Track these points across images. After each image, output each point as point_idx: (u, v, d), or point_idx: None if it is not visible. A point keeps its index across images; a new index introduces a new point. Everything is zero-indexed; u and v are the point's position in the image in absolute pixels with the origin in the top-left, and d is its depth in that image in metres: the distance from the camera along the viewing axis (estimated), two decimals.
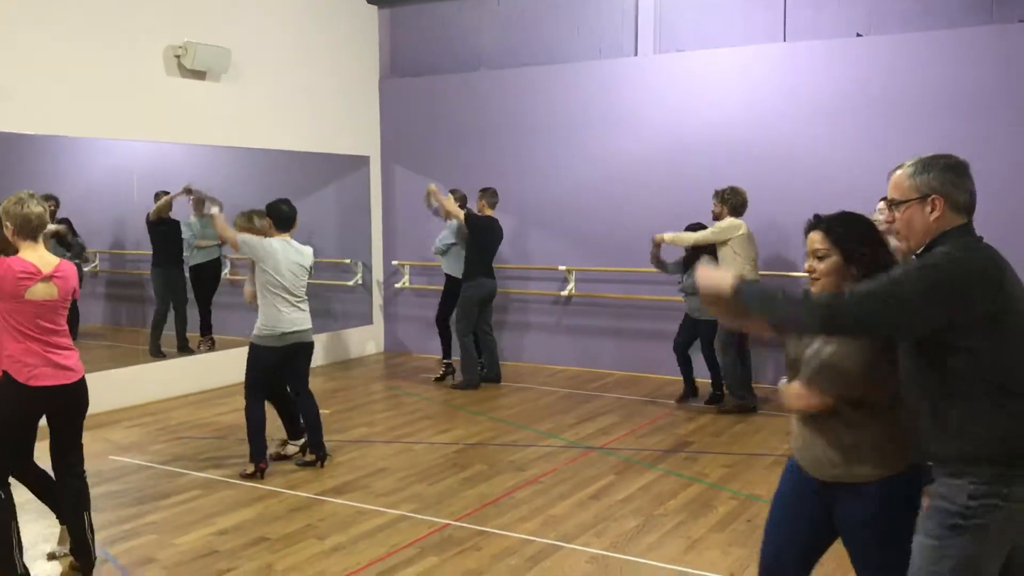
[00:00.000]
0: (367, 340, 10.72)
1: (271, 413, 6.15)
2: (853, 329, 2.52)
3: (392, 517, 5.19)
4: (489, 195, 8.62)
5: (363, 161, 10.58)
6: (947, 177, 2.51)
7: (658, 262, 7.79)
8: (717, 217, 7.53)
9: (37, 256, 4.03)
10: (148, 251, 9.27)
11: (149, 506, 5.39)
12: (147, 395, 8.13)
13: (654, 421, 7.39)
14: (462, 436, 6.98)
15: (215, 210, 6.12)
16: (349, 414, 7.72)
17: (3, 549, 4.03)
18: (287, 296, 5.85)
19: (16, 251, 4.04)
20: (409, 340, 10.69)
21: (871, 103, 8.03)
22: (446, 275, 8.96)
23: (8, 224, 4.02)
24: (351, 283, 10.69)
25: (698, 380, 8.03)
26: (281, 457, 6.24)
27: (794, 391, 2.84)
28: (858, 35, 8.21)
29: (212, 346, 9.29)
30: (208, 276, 9.46)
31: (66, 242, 8.84)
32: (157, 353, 8.87)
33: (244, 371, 6.01)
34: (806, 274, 2.87)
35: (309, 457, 6.15)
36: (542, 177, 9.67)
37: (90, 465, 6.08)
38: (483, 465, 6.22)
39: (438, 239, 8.95)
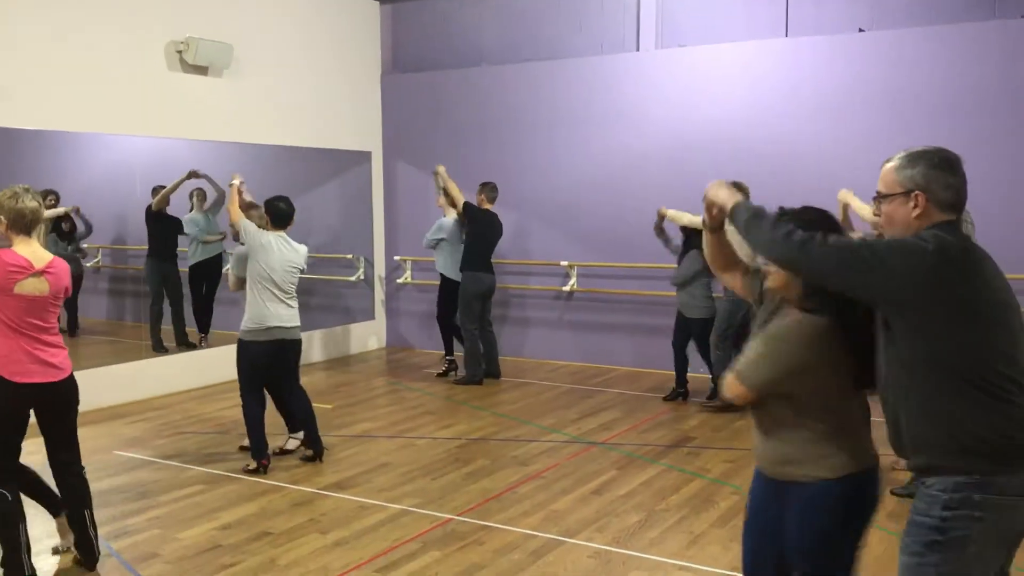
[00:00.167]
0: (369, 335, 10.73)
1: (270, 410, 6.17)
2: (812, 270, 2.47)
3: (394, 512, 5.20)
4: (489, 189, 8.62)
5: (365, 157, 10.58)
6: (932, 173, 2.45)
7: (660, 230, 7.78)
8: None
9: (30, 251, 3.99)
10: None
11: (152, 501, 5.41)
12: (150, 390, 8.15)
13: (656, 416, 7.40)
14: (464, 431, 6.99)
15: (237, 181, 6.15)
16: (351, 409, 7.73)
17: (11, 551, 4.03)
18: (275, 291, 5.85)
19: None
20: (411, 335, 10.70)
21: (873, 98, 8.03)
22: (440, 274, 8.99)
23: (1, 218, 3.98)
24: (353, 278, 10.70)
25: (700, 377, 8.04)
26: (283, 451, 6.25)
27: (728, 379, 2.78)
28: (860, 30, 8.20)
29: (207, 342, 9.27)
30: (212, 272, 9.47)
31: (66, 233, 8.87)
32: (159, 348, 8.88)
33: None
34: None
35: (308, 452, 6.16)
36: (544, 173, 9.68)
37: (94, 460, 6.13)
38: (485, 460, 6.23)
39: (428, 233, 8.97)
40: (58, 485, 4.31)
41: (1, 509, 4.00)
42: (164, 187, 8.90)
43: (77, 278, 8.88)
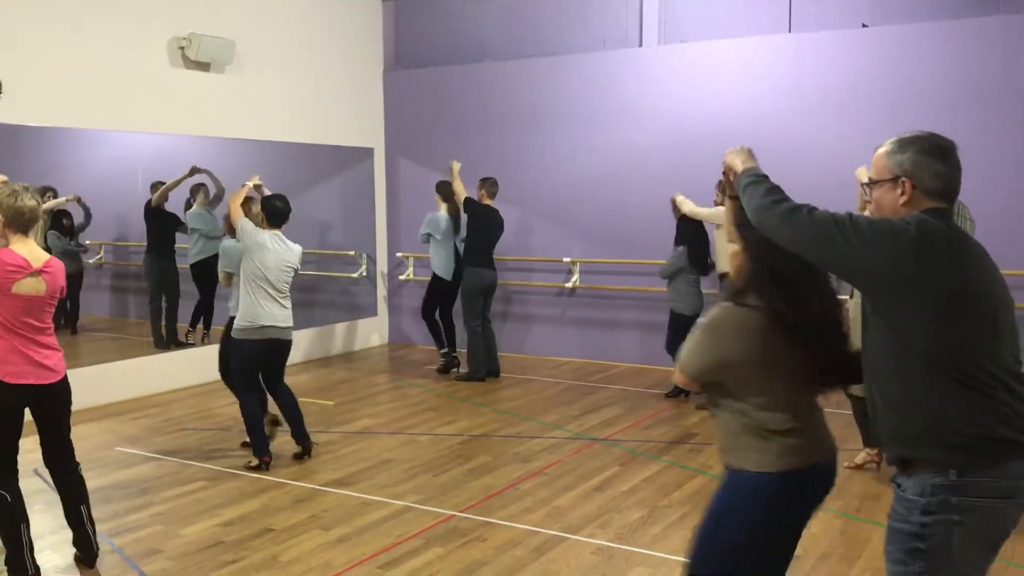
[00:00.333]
0: (371, 332, 10.73)
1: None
2: (793, 241, 2.43)
3: (397, 508, 5.20)
4: (489, 185, 8.60)
5: (367, 153, 10.58)
6: (921, 160, 2.39)
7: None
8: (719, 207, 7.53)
9: (27, 250, 3.96)
10: None
11: (154, 497, 5.41)
12: (152, 387, 8.16)
13: (658, 413, 7.39)
14: (466, 427, 6.99)
15: (253, 181, 6.15)
16: (353, 405, 7.73)
17: (14, 552, 4.02)
18: (270, 290, 5.83)
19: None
20: (413, 332, 10.69)
21: (875, 94, 8.01)
22: (432, 271, 9.02)
23: None
24: (355, 275, 10.69)
25: None
26: (244, 445, 6.25)
27: (676, 367, 2.82)
28: (863, 25, 8.18)
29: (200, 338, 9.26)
30: (214, 270, 9.46)
31: (66, 228, 8.88)
32: (162, 344, 8.89)
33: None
34: None
35: (296, 449, 6.11)
36: (546, 168, 9.66)
37: (96, 456, 6.15)
38: (487, 456, 6.23)
39: (420, 227, 9.01)
40: (55, 483, 4.31)
41: (3, 510, 4.00)
42: (164, 183, 8.90)
43: (78, 274, 8.91)
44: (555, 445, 6.51)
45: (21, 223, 3.96)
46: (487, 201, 8.56)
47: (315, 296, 10.72)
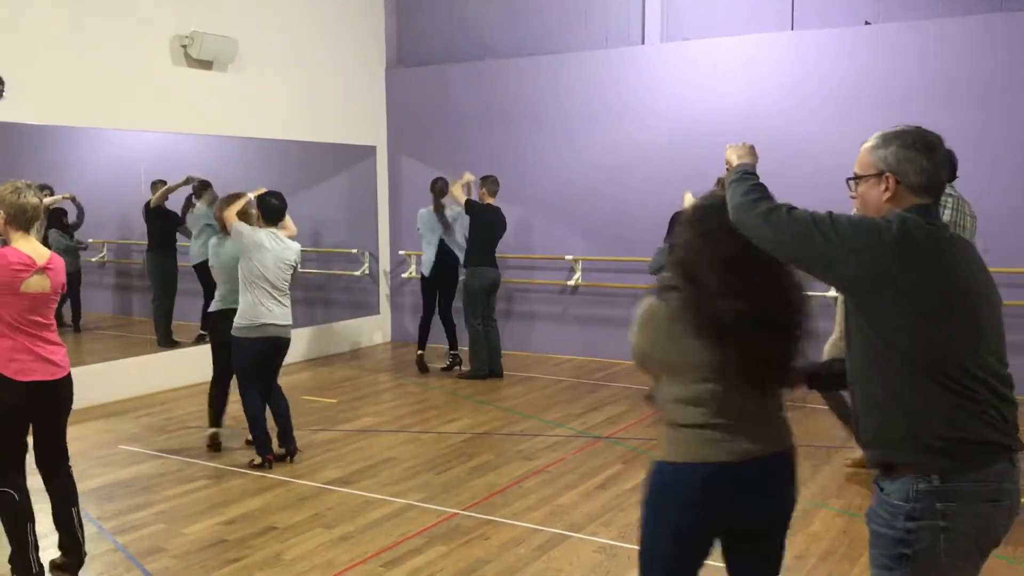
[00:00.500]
0: (374, 330, 10.73)
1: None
2: (771, 241, 2.38)
3: (400, 506, 5.21)
4: (490, 183, 8.59)
5: (369, 151, 10.58)
6: (905, 154, 2.34)
7: None
8: None
9: (30, 248, 3.96)
10: None
11: (158, 495, 5.42)
12: (155, 385, 8.16)
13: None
14: (469, 425, 7.00)
15: (252, 196, 6.11)
16: (356, 403, 7.74)
17: (19, 550, 4.01)
18: (269, 289, 5.83)
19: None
20: (416, 330, 10.65)
21: (879, 91, 8.00)
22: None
23: (1, 212, 3.93)
24: (358, 273, 10.70)
25: None
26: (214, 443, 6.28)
27: None
28: (866, 23, 8.17)
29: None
30: None
31: (66, 226, 8.90)
32: (165, 342, 8.90)
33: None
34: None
35: (279, 451, 6.05)
36: (548, 166, 9.66)
37: (99, 454, 6.16)
38: (490, 455, 6.23)
39: None
40: (45, 483, 4.23)
41: (10, 508, 4.00)
42: (165, 182, 8.91)
43: (76, 272, 8.91)
44: (558, 443, 6.51)
45: (23, 220, 3.96)
46: (488, 199, 8.55)
47: (317, 294, 10.73)
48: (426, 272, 8.90)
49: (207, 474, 5.81)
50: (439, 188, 8.80)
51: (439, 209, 8.79)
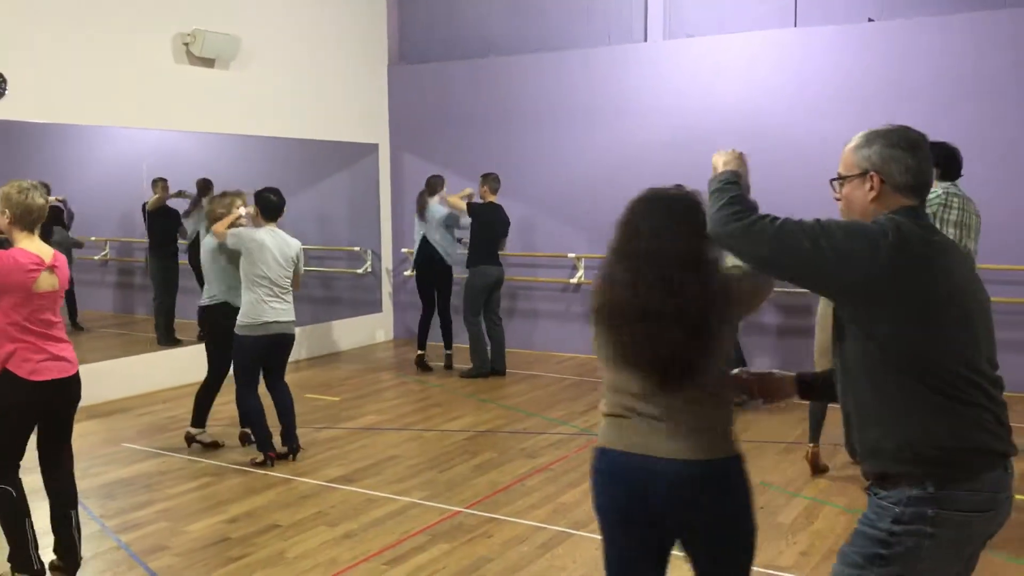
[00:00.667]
0: (376, 328, 10.72)
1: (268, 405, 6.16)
2: (755, 255, 2.30)
3: (403, 504, 5.20)
4: (491, 180, 8.57)
5: (372, 148, 10.57)
6: (890, 153, 2.28)
7: None
8: None
9: (36, 247, 3.97)
10: None
11: (160, 493, 5.41)
12: (158, 383, 8.16)
13: None
14: (472, 423, 6.99)
15: (244, 211, 6.04)
16: (359, 401, 7.73)
17: (18, 547, 4.00)
18: (271, 287, 5.82)
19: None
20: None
21: (882, 89, 7.98)
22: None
23: (6, 211, 3.92)
24: (360, 271, 10.69)
25: None
26: (202, 443, 6.25)
27: None
28: (870, 20, 8.15)
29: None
30: None
31: (62, 220, 8.90)
32: (167, 341, 8.90)
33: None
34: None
35: (282, 449, 6.03)
36: (551, 164, 9.65)
37: (102, 453, 6.15)
38: (493, 452, 6.22)
39: None
40: (45, 484, 4.20)
41: (9, 506, 3.99)
42: (165, 180, 8.91)
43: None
44: (561, 441, 6.50)
45: (29, 221, 3.97)
46: (490, 197, 8.53)
47: (320, 292, 10.72)
48: (415, 269, 8.90)
49: (209, 472, 5.80)
50: (430, 184, 8.80)
51: (422, 205, 8.77)
